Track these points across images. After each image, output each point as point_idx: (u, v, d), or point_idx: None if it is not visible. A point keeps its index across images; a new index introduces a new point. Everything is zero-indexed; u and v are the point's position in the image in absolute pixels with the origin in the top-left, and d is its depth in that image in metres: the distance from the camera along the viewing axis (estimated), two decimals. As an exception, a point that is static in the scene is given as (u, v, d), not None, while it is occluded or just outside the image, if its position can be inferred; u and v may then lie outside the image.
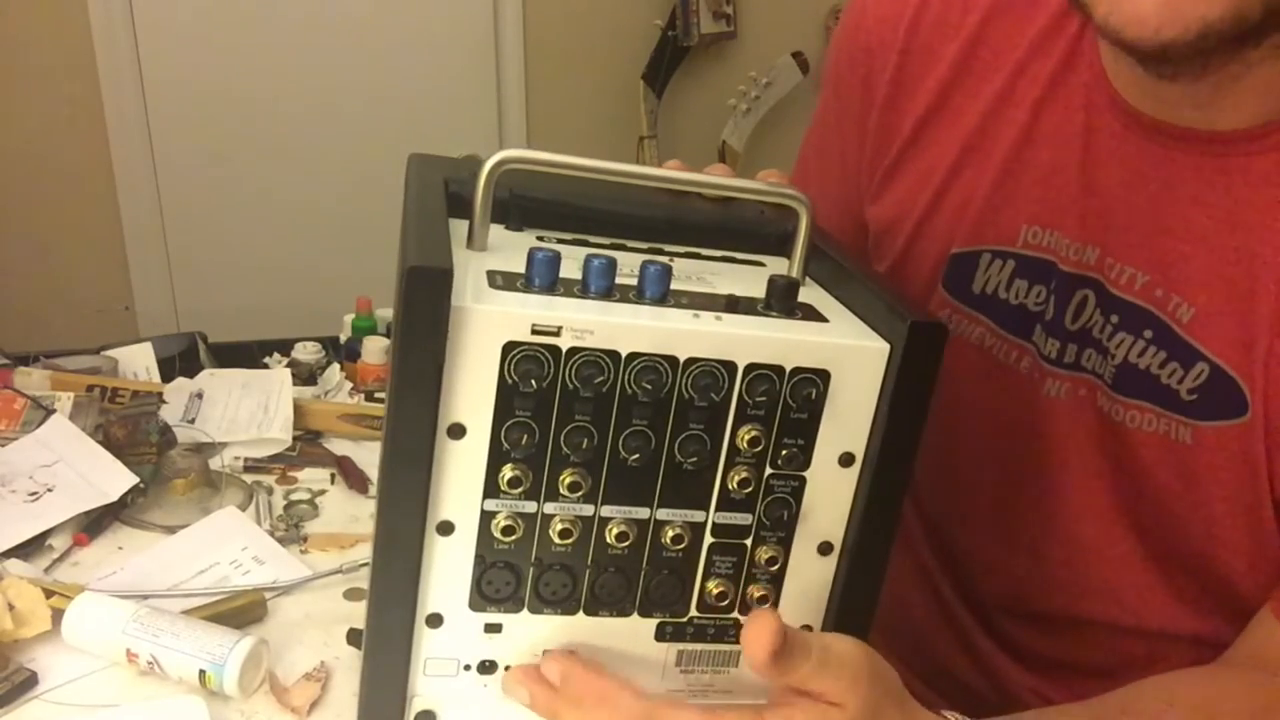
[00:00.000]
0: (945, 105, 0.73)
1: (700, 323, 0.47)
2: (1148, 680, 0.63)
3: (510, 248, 0.52)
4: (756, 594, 0.51)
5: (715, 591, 0.51)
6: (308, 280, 2.61)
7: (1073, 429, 0.69)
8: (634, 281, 0.48)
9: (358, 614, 0.78)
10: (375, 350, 1.19)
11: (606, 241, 0.57)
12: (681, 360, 0.46)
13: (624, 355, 0.46)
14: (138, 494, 0.90)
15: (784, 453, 0.49)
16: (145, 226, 2.60)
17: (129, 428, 0.95)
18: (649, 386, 0.46)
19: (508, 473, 0.46)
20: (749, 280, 0.55)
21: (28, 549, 0.82)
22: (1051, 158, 0.68)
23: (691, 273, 0.54)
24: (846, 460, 0.50)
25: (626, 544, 0.49)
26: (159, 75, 2.50)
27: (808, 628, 0.53)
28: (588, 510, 0.48)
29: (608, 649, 0.51)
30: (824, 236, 0.58)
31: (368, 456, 1.03)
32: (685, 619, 0.52)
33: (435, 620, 0.49)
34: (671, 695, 0.52)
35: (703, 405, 0.47)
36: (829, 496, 0.50)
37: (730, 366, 0.47)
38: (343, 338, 1.31)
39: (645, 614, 0.51)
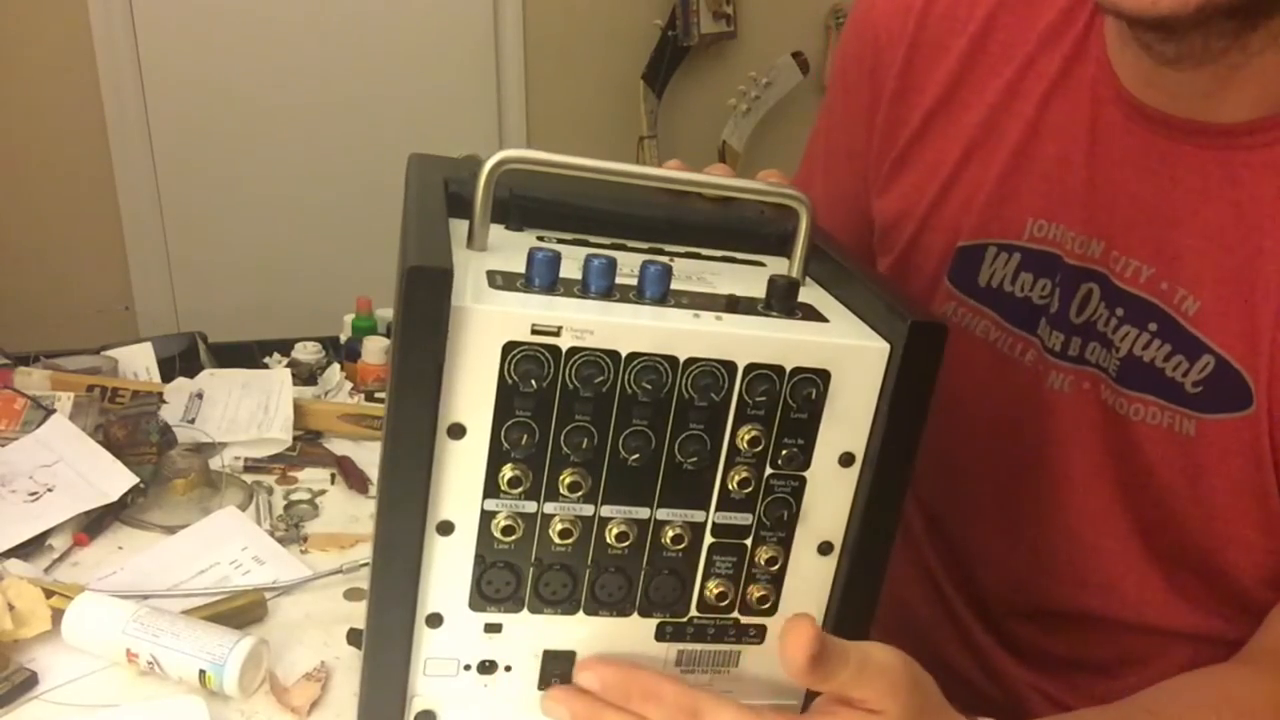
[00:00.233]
0: (952, 99, 0.73)
1: (700, 323, 0.47)
2: (1173, 680, 0.63)
3: (510, 248, 0.52)
4: (756, 594, 0.51)
5: (715, 591, 0.51)
6: (308, 280, 2.61)
7: (1076, 422, 0.69)
8: (634, 281, 0.48)
9: (358, 614, 0.78)
10: (375, 350, 1.19)
11: (606, 241, 0.57)
12: (681, 360, 0.46)
13: (624, 355, 0.46)
14: (138, 494, 0.90)
15: (784, 453, 0.49)
16: (145, 226, 2.60)
17: (129, 428, 0.95)
18: (649, 386, 0.46)
19: (508, 473, 0.46)
20: (749, 280, 0.55)
21: (28, 549, 0.82)
22: (1058, 151, 0.68)
23: (691, 273, 0.54)
24: (846, 460, 0.50)
25: (626, 544, 0.49)
26: (159, 75, 2.51)
27: None
28: (588, 510, 0.48)
29: (608, 649, 0.51)
30: (824, 236, 0.58)
31: (368, 456, 1.03)
32: (685, 619, 0.52)
33: (435, 620, 0.49)
34: None
35: (703, 405, 0.47)
36: (829, 496, 0.50)
37: (730, 366, 0.47)
38: (343, 338, 1.31)
39: (645, 614, 0.51)
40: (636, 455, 0.47)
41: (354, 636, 0.73)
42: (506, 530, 0.48)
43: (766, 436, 0.48)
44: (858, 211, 0.82)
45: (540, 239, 0.55)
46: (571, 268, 0.48)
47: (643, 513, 0.49)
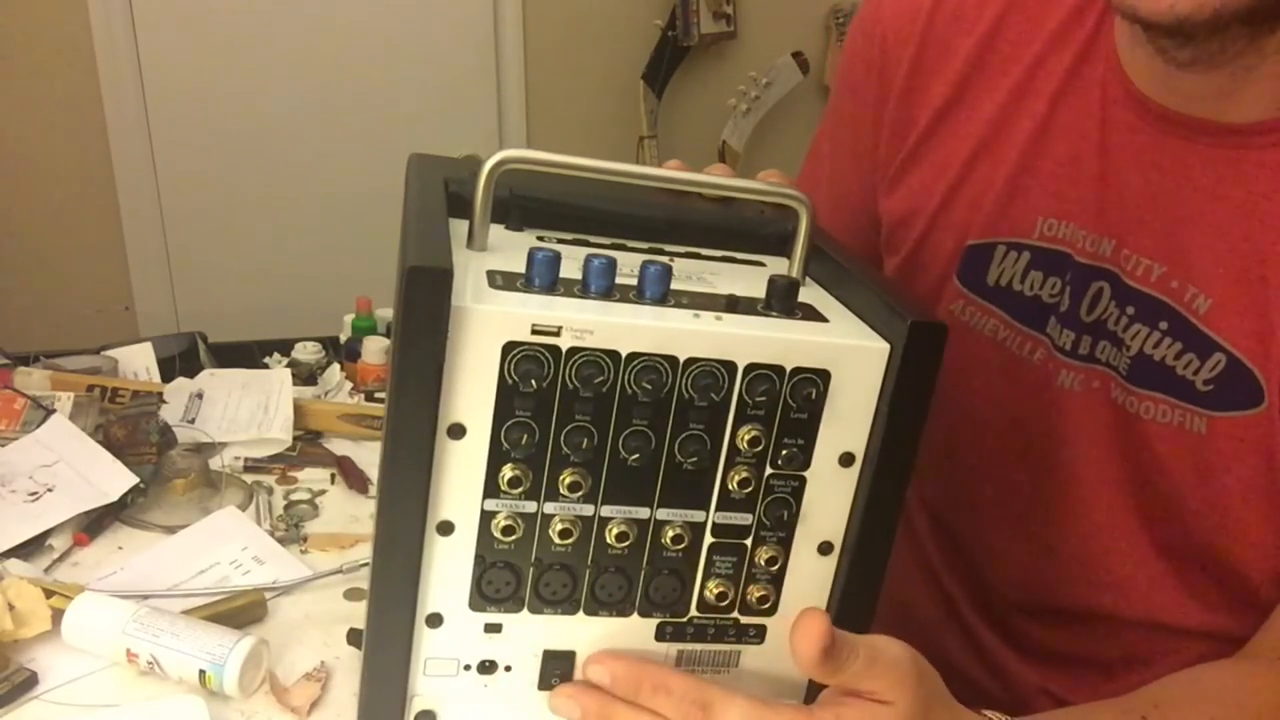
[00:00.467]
0: (961, 98, 0.73)
1: (700, 323, 0.47)
2: (1176, 675, 0.63)
3: (510, 248, 0.52)
4: (756, 594, 0.51)
5: (715, 591, 0.51)
6: (308, 280, 2.60)
7: (1086, 421, 0.69)
8: (634, 281, 0.48)
9: (358, 614, 0.78)
10: (375, 350, 1.20)
11: (606, 241, 0.57)
12: (681, 360, 0.46)
13: (624, 355, 0.46)
14: (138, 494, 0.90)
15: (784, 453, 0.49)
16: (145, 226, 2.60)
17: (129, 428, 0.95)
18: (649, 386, 0.46)
19: (508, 473, 0.46)
20: (749, 280, 0.55)
21: (28, 549, 0.82)
22: (1068, 150, 0.68)
23: (691, 273, 0.54)
24: (846, 460, 0.50)
25: (626, 544, 0.49)
26: (159, 75, 2.50)
27: None
28: (588, 510, 0.48)
29: (607, 648, 0.51)
30: (824, 236, 0.58)
31: (368, 456, 1.03)
32: (685, 619, 0.52)
33: (435, 620, 0.49)
34: None
35: (703, 405, 0.47)
36: (829, 496, 0.50)
37: (730, 366, 0.47)
38: (343, 338, 1.31)
39: (645, 614, 0.51)
40: (636, 455, 0.47)
41: (354, 636, 0.73)
42: (506, 530, 0.48)
43: (766, 436, 0.48)
44: (863, 211, 0.82)
45: (540, 239, 0.55)
46: (571, 268, 0.48)
47: (643, 513, 0.49)
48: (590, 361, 0.45)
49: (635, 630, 0.51)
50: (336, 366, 1.22)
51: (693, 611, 0.52)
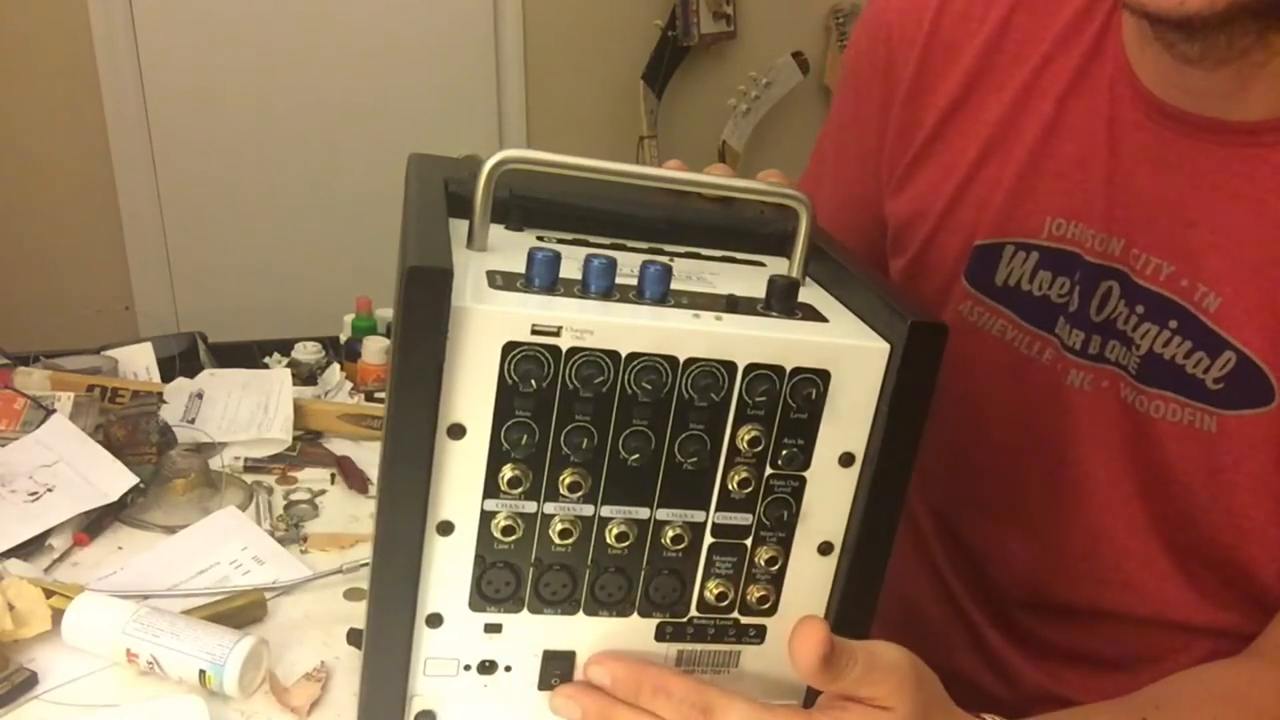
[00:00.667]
0: (968, 99, 0.73)
1: (700, 323, 0.47)
2: (1179, 674, 0.63)
3: (510, 248, 0.52)
4: (756, 594, 0.51)
5: (715, 592, 0.51)
6: (308, 280, 2.60)
7: (1095, 420, 0.69)
8: (634, 281, 0.48)
9: (358, 614, 0.78)
10: (375, 350, 1.20)
11: (606, 241, 0.57)
12: (681, 360, 0.46)
13: (624, 355, 0.46)
14: (138, 494, 0.90)
15: (784, 453, 0.49)
16: (145, 226, 2.60)
17: (129, 428, 0.95)
18: (649, 386, 0.46)
19: (508, 473, 0.46)
20: (749, 280, 0.55)
21: (28, 549, 0.82)
22: (1076, 150, 0.68)
23: (691, 273, 0.54)
24: (846, 460, 0.50)
25: (626, 544, 0.49)
26: (159, 75, 2.50)
27: None
28: (588, 510, 0.48)
29: (608, 649, 0.51)
30: (824, 236, 0.58)
31: (368, 456, 1.03)
32: (685, 619, 0.52)
33: (435, 620, 0.49)
34: None
35: (703, 405, 0.47)
36: (829, 496, 0.50)
37: (730, 366, 0.47)
38: (343, 338, 1.31)
39: (645, 614, 0.51)
40: (636, 455, 0.47)
41: (354, 636, 0.73)
42: (506, 530, 0.48)
43: (766, 436, 0.48)
44: (868, 212, 0.82)
45: (540, 239, 0.55)
46: (571, 268, 0.48)
47: (643, 513, 0.49)
48: (590, 361, 0.45)
49: (635, 630, 0.51)
50: (336, 366, 1.22)
51: (693, 611, 0.52)
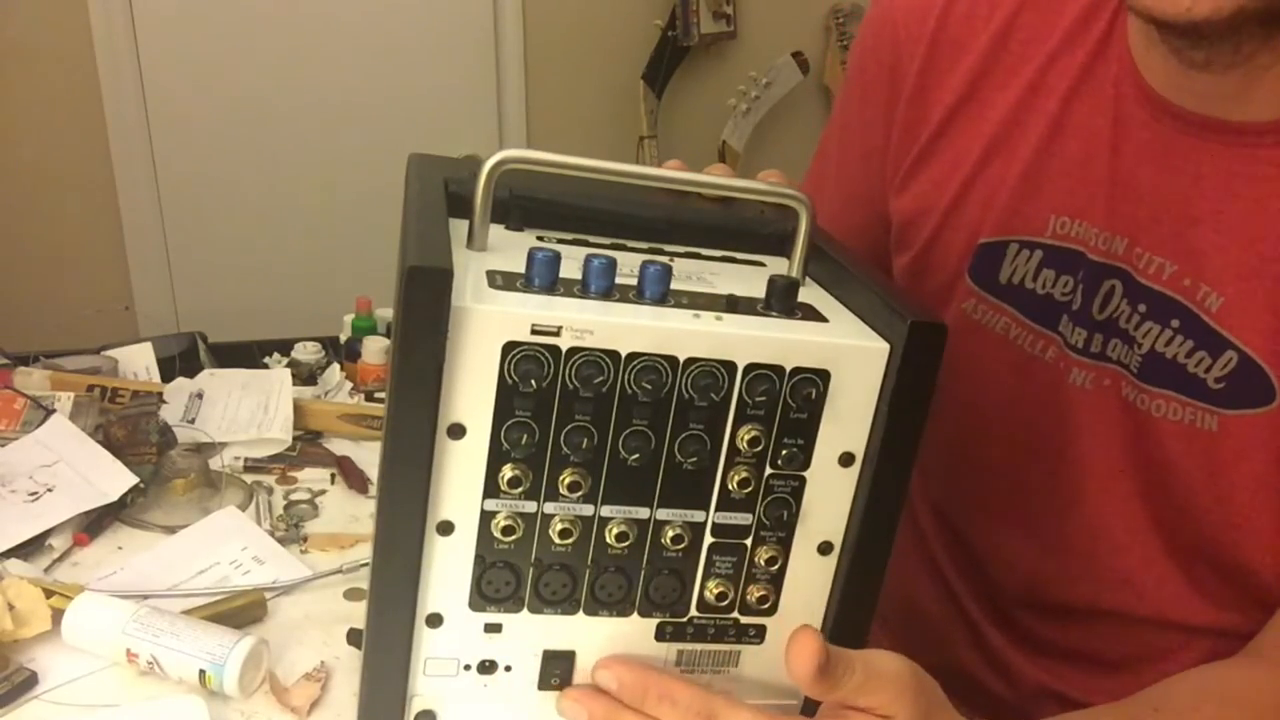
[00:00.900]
0: (973, 97, 0.73)
1: (700, 323, 0.47)
2: (1177, 676, 0.64)
3: (510, 248, 0.52)
4: (756, 594, 0.51)
5: (715, 592, 0.51)
6: (308, 280, 2.60)
7: (1097, 418, 0.69)
8: (634, 281, 0.48)
9: (358, 614, 0.78)
10: (375, 350, 1.19)
11: (606, 241, 0.57)
12: (681, 360, 0.46)
13: (624, 355, 0.46)
14: (138, 494, 0.90)
15: (784, 453, 0.49)
16: (145, 226, 2.60)
17: (129, 428, 0.95)
18: (649, 386, 0.46)
19: (508, 473, 0.46)
20: (749, 280, 0.55)
21: (28, 549, 0.82)
22: (1081, 148, 0.68)
23: (691, 273, 0.54)
24: (846, 460, 0.50)
25: (626, 544, 0.49)
26: (159, 75, 2.50)
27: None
28: (588, 510, 0.48)
29: (608, 649, 0.51)
30: (824, 236, 0.58)
31: (368, 456, 1.03)
32: (685, 619, 0.52)
33: (435, 620, 0.49)
34: None
35: (703, 405, 0.47)
36: (829, 496, 0.50)
37: (730, 366, 0.47)
38: (343, 338, 1.31)
39: (645, 614, 0.51)
40: (636, 455, 0.47)
41: (354, 636, 0.73)
42: (506, 530, 0.48)
43: (766, 436, 0.48)
44: (872, 210, 0.82)
45: (540, 239, 0.55)
46: (571, 268, 0.48)
47: (643, 513, 0.49)
48: (590, 361, 0.45)
49: (635, 630, 0.51)
50: (336, 366, 1.22)
51: (693, 611, 0.52)
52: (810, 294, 0.54)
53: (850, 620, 0.52)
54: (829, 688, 0.46)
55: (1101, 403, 0.69)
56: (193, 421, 1.04)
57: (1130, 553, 0.70)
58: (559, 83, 2.75)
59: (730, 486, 0.49)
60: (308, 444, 1.05)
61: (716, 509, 0.50)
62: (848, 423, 0.49)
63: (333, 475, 1.00)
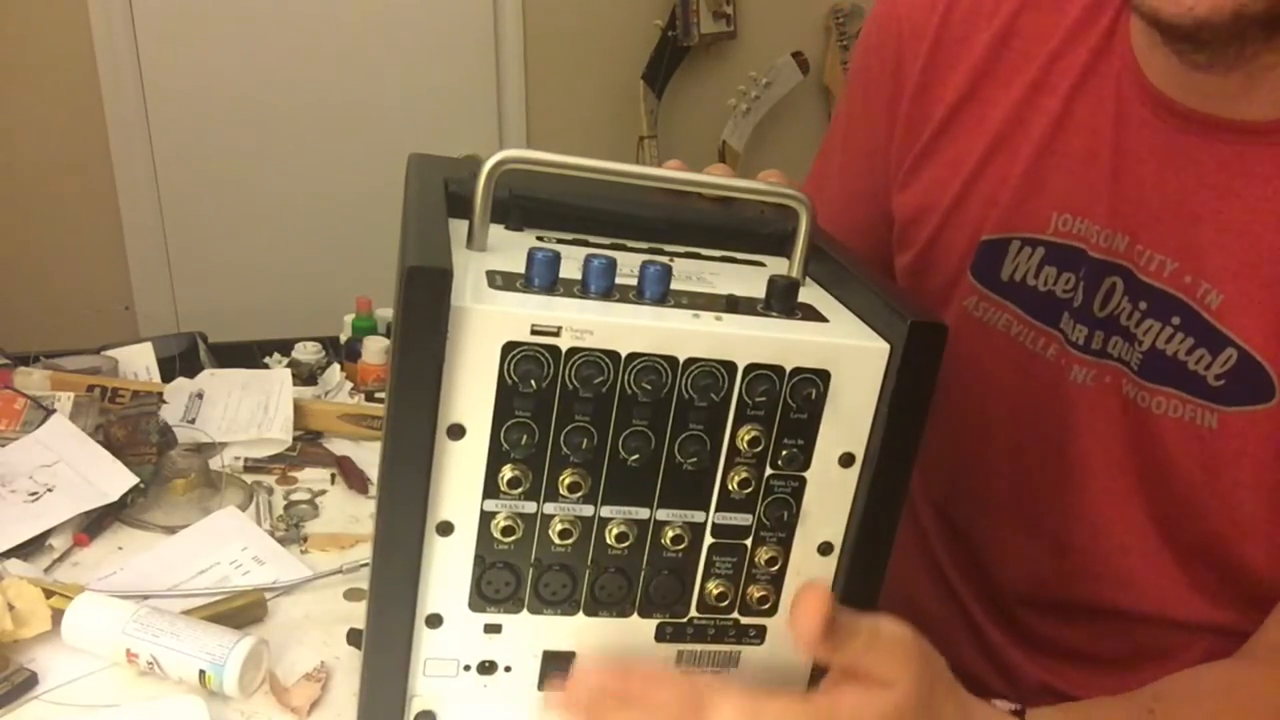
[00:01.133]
0: (976, 94, 0.73)
1: (700, 323, 0.47)
2: (1177, 674, 0.64)
3: (510, 248, 0.52)
4: (756, 594, 0.51)
5: (715, 592, 0.51)
6: (308, 280, 2.60)
7: (1097, 415, 0.69)
8: (634, 281, 0.48)
9: (358, 614, 0.78)
10: (375, 350, 1.20)
11: (606, 241, 0.57)
12: (681, 360, 0.46)
13: (624, 355, 0.46)
14: (138, 494, 0.90)
15: (784, 453, 0.49)
16: (145, 226, 2.60)
17: (129, 428, 0.95)
18: (649, 387, 0.46)
19: (507, 473, 0.46)
20: (749, 280, 0.55)
21: (28, 549, 0.82)
22: (1083, 146, 0.68)
23: (691, 273, 0.54)
24: (846, 460, 0.50)
25: (626, 544, 0.49)
26: (159, 75, 2.50)
27: None
28: (587, 510, 0.48)
29: (608, 649, 0.51)
30: (824, 236, 0.58)
31: (368, 456, 1.03)
32: (685, 619, 0.52)
33: (435, 620, 0.49)
34: None
35: (703, 405, 0.47)
36: (829, 497, 0.50)
37: (730, 367, 0.47)
38: (343, 338, 1.31)
39: (645, 614, 0.51)
40: (636, 455, 0.47)
41: (354, 636, 0.73)
42: (506, 530, 0.48)
43: (766, 437, 0.48)
44: (875, 208, 0.82)
45: (540, 239, 0.55)
46: (571, 268, 0.48)
47: (643, 513, 0.49)
48: (590, 362, 0.45)
49: (635, 630, 0.51)
50: (336, 366, 1.22)
51: (693, 612, 0.52)
52: (810, 294, 0.54)
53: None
54: (833, 649, 0.45)
55: (1102, 400, 0.69)
56: (193, 421, 1.04)
57: (1131, 550, 0.70)
58: (559, 83, 2.75)
59: (730, 487, 0.49)
60: (308, 444, 1.05)
61: (716, 509, 0.50)
62: (848, 423, 0.49)
63: (333, 475, 1.00)
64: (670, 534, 0.49)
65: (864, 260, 0.56)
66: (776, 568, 0.51)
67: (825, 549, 0.51)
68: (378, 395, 1.16)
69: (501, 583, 0.49)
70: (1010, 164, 0.72)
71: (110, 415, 0.99)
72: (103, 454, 0.92)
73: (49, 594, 0.73)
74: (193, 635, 0.68)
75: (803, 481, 0.50)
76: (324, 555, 0.86)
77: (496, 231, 0.54)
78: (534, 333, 0.44)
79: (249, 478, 0.98)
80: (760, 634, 0.53)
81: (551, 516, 0.48)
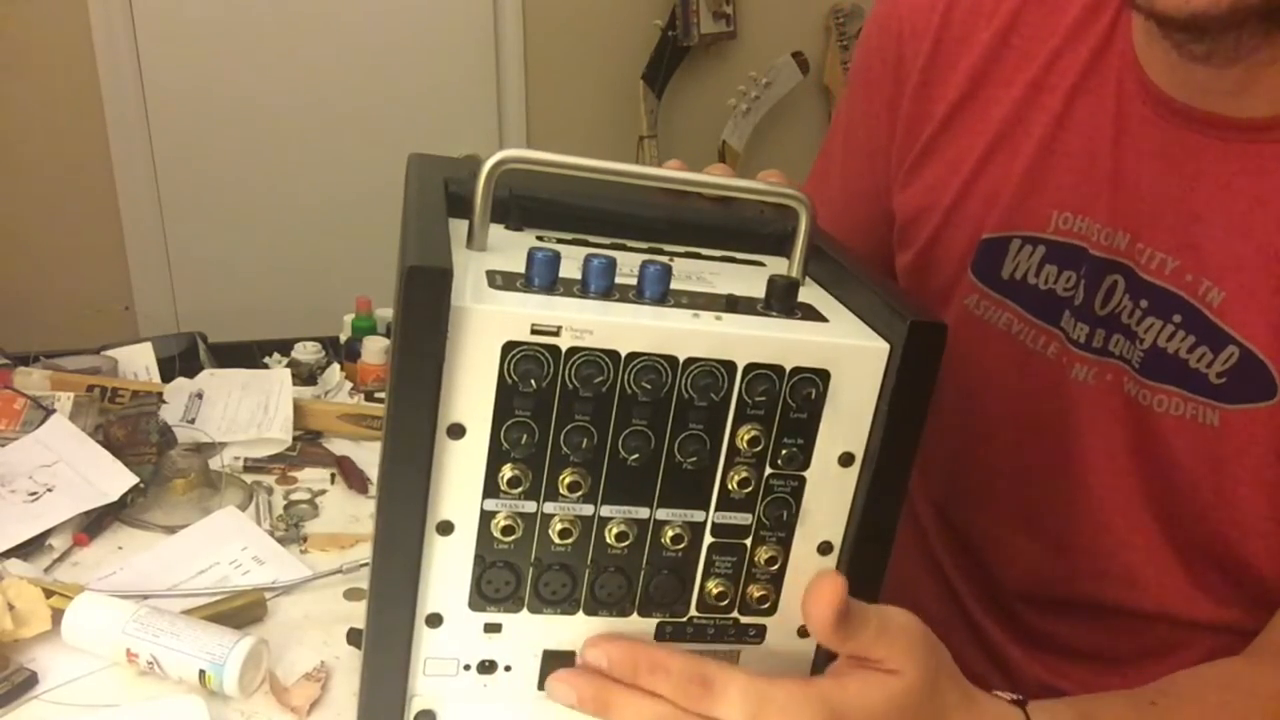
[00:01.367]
0: (977, 92, 0.73)
1: (700, 323, 0.47)
2: (1180, 672, 0.64)
3: (510, 248, 0.52)
4: (756, 594, 0.51)
5: (715, 591, 0.51)
6: (308, 280, 2.61)
7: (1099, 414, 0.69)
8: (634, 281, 0.48)
9: (358, 614, 0.78)
10: (375, 350, 1.20)
11: (606, 241, 0.57)
12: (681, 360, 0.46)
13: (624, 355, 0.46)
14: (138, 494, 0.90)
15: (784, 452, 0.49)
16: (145, 226, 2.60)
17: (129, 428, 0.95)
18: (649, 386, 0.46)
19: (507, 472, 0.46)
20: (749, 280, 0.55)
21: (28, 549, 0.82)
22: (1084, 144, 0.69)
23: (691, 273, 0.54)
24: (846, 460, 0.50)
25: (626, 544, 0.49)
26: (159, 75, 2.50)
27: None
28: (587, 510, 0.48)
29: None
30: (824, 236, 0.59)
31: (368, 456, 1.03)
32: (685, 619, 0.52)
33: (435, 620, 0.49)
34: None
35: (702, 405, 0.47)
36: (829, 496, 0.50)
37: (730, 366, 0.47)
38: (343, 338, 1.31)
39: (645, 614, 0.51)
40: (636, 455, 0.47)
41: (354, 636, 0.73)
42: (506, 530, 0.48)
43: (766, 436, 0.48)
44: (876, 207, 0.82)
45: (540, 239, 0.55)
46: (571, 268, 0.48)
47: (642, 512, 0.49)
48: (590, 361, 0.45)
49: (635, 630, 0.51)
50: (336, 366, 1.22)
51: (692, 611, 0.52)
52: (810, 294, 0.54)
53: (850, 620, 0.52)
54: (844, 637, 0.46)
55: (1103, 398, 0.69)
56: (193, 421, 1.04)
57: (1132, 548, 0.70)
58: (559, 83, 2.75)
59: (730, 486, 0.49)
60: (308, 444, 1.05)
61: (716, 509, 0.50)
62: (848, 423, 0.49)
63: (333, 475, 1.00)
64: (670, 533, 0.49)
65: (864, 260, 0.56)
66: (776, 567, 0.51)
67: (825, 548, 0.52)
68: (378, 395, 1.16)
69: (501, 582, 0.49)
70: (1011, 163, 0.72)
71: (110, 415, 0.99)
72: (103, 454, 0.92)
73: (49, 594, 0.73)
74: (193, 635, 0.68)
75: (802, 481, 0.50)
76: (324, 555, 0.86)
77: (496, 231, 0.54)
78: (534, 332, 0.44)
79: (249, 478, 0.98)
80: (760, 633, 0.53)
81: (551, 516, 0.48)
